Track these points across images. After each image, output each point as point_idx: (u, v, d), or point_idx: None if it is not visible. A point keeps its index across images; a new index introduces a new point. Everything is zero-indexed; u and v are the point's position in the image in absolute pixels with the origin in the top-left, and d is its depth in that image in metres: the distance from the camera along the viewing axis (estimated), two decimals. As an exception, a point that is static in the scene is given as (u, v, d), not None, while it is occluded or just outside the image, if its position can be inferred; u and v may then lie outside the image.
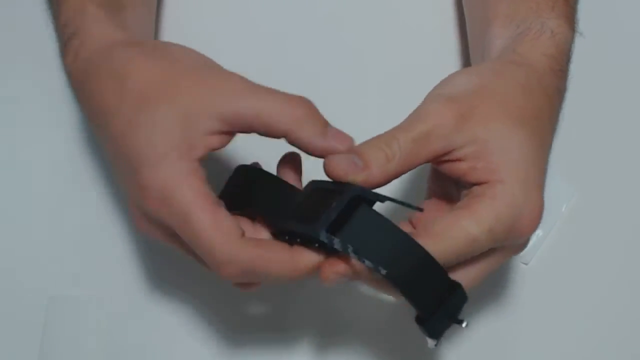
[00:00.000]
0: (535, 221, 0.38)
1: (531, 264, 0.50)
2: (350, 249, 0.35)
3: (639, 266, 0.51)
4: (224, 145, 0.38)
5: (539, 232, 0.51)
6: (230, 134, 0.38)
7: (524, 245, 0.40)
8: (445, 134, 0.37)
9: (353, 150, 0.37)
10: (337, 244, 0.35)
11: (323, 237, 0.35)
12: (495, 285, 0.50)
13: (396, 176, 0.37)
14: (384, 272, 0.35)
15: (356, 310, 0.49)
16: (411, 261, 0.35)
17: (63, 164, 0.51)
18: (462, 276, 0.38)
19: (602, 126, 0.54)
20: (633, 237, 0.51)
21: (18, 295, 0.48)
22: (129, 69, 0.39)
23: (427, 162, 0.38)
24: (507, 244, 0.38)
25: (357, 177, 0.36)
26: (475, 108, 0.38)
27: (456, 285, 0.37)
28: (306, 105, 0.37)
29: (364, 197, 0.36)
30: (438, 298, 0.36)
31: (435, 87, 0.40)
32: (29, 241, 0.50)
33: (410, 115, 0.38)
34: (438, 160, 0.38)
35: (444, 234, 0.36)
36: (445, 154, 0.38)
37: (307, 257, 0.37)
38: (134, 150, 0.37)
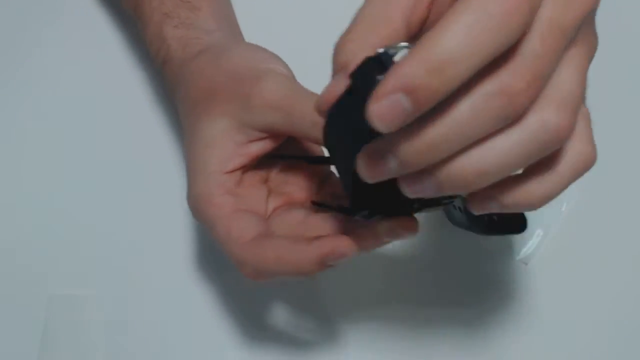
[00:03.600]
0: None
1: (531, 264, 0.50)
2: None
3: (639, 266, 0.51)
4: (271, 148, 0.40)
5: (539, 232, 0.51)
6: (273, 138, 0.40)
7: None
8: None
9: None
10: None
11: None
12: (496, 285, 0.50)
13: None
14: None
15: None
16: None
17: (63, 163, 0.51)
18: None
19: (602, 125, 0.53)
20: (633, 236, 0.51)
21: (18, 294, 0.49)
22: (192, 79, 0.42)
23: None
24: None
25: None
26: None
27: None
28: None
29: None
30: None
31: None
32: (29, 241, 0.50)
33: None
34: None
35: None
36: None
37: (309, 252, 0.36)
38: (187, 163, 0.41)
